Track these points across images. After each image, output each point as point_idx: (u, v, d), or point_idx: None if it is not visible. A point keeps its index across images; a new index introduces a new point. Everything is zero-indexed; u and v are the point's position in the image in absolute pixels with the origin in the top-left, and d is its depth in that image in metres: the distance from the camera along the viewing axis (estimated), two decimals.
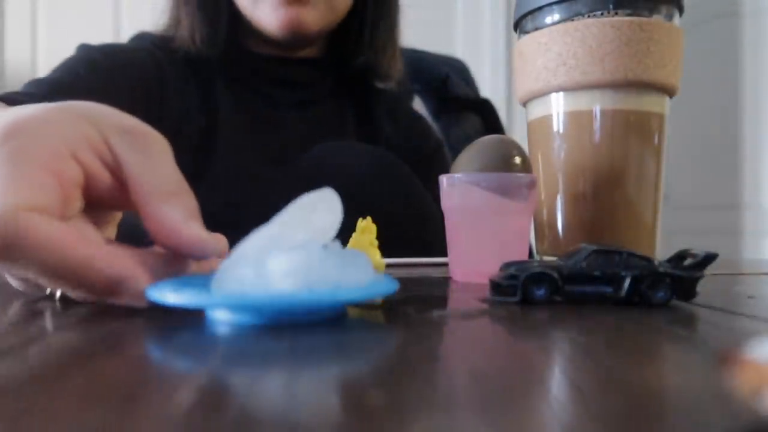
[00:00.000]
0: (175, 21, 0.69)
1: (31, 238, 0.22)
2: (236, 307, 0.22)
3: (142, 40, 0.73)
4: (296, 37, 0.66)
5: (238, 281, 0.22)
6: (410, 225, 0.56)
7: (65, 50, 0.67)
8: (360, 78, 0.75)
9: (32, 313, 0.26)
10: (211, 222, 0.62)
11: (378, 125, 0.74)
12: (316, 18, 0.65)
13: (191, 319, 0.24)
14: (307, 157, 0.59)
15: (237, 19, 0.68)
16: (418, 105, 0.86)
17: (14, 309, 0.27)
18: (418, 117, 0.81)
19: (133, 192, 0.26)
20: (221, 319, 0.23)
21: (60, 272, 0.23)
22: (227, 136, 0.67)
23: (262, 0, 0.64)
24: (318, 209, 0.24)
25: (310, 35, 0.67)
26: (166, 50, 0.69)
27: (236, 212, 0.61)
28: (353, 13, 0.70)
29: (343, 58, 0.73)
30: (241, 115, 0.69)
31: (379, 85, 0.76)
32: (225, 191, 0.63)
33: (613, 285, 0.28)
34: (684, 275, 0.28)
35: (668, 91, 0.42)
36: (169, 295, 0.22)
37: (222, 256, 0.26)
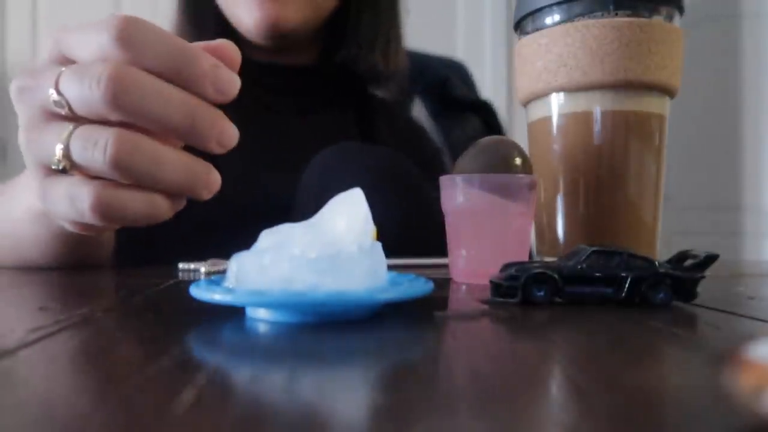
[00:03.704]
0: (176, 32, 0.70)
1: (146, 22, 0.28)
2: (276, 306, 0.23)
3: None
4: (276, 36, 0.66)
5: (273, 281, 0.23)
6: (421, 225, 0.56)
7: None
8: (360, 86, 0.75)
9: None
10: (215, 229, 0.62)
11: (377, 135, 0.74)
12: (294, 14, 0.65)
13: (230, 316, 0.24)
14: (316, 159, 0.59)
15: (228, 28, 0.68)
16: (418, 107, 0.86)
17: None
18: (418, 126, 0.81)
19: None
20: (260, 317, 0.24)
21: (173, 55, 0.28)
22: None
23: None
24: (345, 211, 0.25)
25: (290, 33, 0.66)
26: None
27: (241, 219, 0.60)
28: (341, 14, 0.71)
29: (335, 63, 0.73)
30: (241, 123, 0.69)
31: (379, 92, 0.76)
32: (228, 199, 0.63)
33: (614, 286, 0.28)
34: (684, 276, 0.28)
35: (668, 92, 0.42)
36: (211, 294, 0.23)
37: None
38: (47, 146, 0.29)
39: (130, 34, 0.28)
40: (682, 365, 0.19)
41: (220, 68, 0.30)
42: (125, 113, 0.28)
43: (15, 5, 1.76)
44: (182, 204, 0.33)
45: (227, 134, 0.30)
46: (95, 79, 0.27)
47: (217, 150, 0.30)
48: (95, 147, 0.28)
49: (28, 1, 1.76)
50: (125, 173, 0.28)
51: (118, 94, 0.27)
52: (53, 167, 0.30)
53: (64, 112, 0.29)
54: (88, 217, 0.29)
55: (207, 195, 0.31)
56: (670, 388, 0.16)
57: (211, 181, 0.31)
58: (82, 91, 0.28)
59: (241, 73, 0.77)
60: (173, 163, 0.29)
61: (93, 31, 0.28)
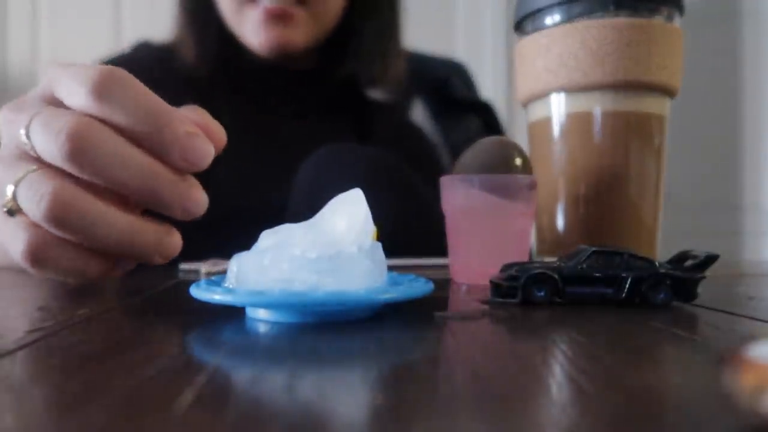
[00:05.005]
0: (177, 35, 0.71)
1: (130, 79, 0.27)
2: (276, 306, 0.23)
3: (139, 52, 0.74)
4: (281, 55, 0.66)
5: (273, 281, 0.23)
6: (414, 225, 0.56)
7: (67, 51, 0.67)
8: (358, 90, 0.75)
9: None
10: (215, 229, 0.62)
11: (374, 138, 0.74)
12: (301, 37, 0.65)
13: (230, 316, 0.24)
14: (310, 160, 0.59)
15: (230, 31, 0.69)
16: (419, 107, 0.86)
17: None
18: (416, 128, 0.81)
19: None
20: (260, 317, 0.24)
21: (146, 116, 0.27)
22: (229, 145, 0.67)
23: (246, 18, 0.65)
24: (345, 211, 0.25)
25: (297, 53, 0.67)
26: (167, 62, 0.69)
27: (237, 219, 0.60)
28: (344, 24, 0.71)
29: (333, 70, 0.73)
30: (241, 125, 0.69)
31: (376, 95, 0.76)
32: (227, 199, 0.63)
33: (614, 286, 0.28)
34: (685, 276, 0.28)
35: (668, 93, 0.42)
36: (211, 294, 0.23)
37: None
38: (2, 184, 0.29)
39: (107, 89, 0.27)
40: (682, 365, 0.19)
41: (195, 137, 0.28)
42: (81, 169, 0.27)
43: (15, 5, 1.76)
44: (131, 265, 0.31)
45: (194, 203, 0.29)
46: (56, 130, 0.26)
47: (183, 218, 0.29)
48: (34, 197, 0.27)
49: (27, 1, 1.76)
50: (58, 228, 0.27)
51: (75, 150, 0.26)
52: (2, 208, 0.29)
53: (33, 154, 0.28)
54: (22, 264, 0.29)
55: (160, 260, 0.30)
56: (670, 388, 0.16)
57: (164, 246, 0.29)
58: (44, 140, 0.27)
59: (241, 75, 0.77)
60: (114, 226, 0.28)
61: (77, 76, 0.28)
